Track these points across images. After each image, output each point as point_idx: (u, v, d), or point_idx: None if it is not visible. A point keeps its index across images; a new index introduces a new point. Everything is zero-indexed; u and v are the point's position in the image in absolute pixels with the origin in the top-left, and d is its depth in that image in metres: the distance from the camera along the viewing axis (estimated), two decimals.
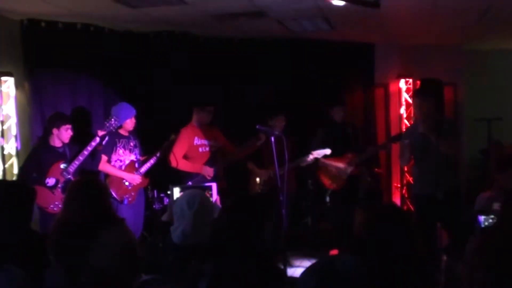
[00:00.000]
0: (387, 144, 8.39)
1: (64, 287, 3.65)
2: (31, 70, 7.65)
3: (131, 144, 7.23)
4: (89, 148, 6.53)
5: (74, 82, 7.95)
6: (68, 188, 4.44)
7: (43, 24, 7.64)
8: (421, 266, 2.75)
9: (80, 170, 6.65)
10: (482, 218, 4.11)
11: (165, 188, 7.05)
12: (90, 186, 4.31)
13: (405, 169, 10.32)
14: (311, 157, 7.45)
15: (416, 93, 6.40)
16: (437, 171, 6.05)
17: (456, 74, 10.65)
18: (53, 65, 7.79)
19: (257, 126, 7.11)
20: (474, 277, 2.30)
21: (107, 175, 7.14)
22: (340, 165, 7.72)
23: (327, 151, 7.49)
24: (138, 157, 7.29)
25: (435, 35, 9.62)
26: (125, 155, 7.15)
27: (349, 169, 7.73)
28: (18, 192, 4.35)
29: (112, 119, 6.72)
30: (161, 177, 7.48)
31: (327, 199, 8.42)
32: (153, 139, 7.43)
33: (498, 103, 10.95)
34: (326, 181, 7.86)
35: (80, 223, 4.01)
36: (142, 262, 4.29)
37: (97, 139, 6.61)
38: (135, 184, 7.07)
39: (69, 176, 6.45)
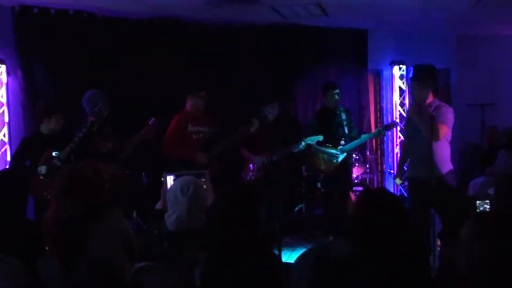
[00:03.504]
0: (380, 132, 8.35)
1: (60, 276, 3.64)
2: (23, 57, 7.61)
3: (107, 131, 7.01)
4: (80, 135, 6.40)
5: (66, 68, 7.90)
6: (56, 180, 4.30)
7: (35, 10, 7.60)
8: (414, 250, 2.76)
9: (71, 158, 6.51)
10: (477, 203, 4.14)
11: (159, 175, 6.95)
12: (78, 177, 4.18)
13: (398, 155, 10.36)
14: (302, 143, 7.44)
15: (411, 77, 6.45)
16: (425, 156, 6.06)
17: (449, 60, 10.67)
18: (46, 52, 7.76)
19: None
20: (471, 262, 2.31)
21: None
22: (332, 151, 7.72)
23: (320, 138, 7.50)
24: (115, 144, 7.04)
25: (429, 21, 9.61)
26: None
27: (341, 156, 7.73)
28: (11, 181, 4.33)
29: (100, 105, 6.58)
30: (154, 164, 7.44)
31: (319, 185, 8.45)
32: (139, 125, 7.21)
33: (491, 89, 10.98)
34: (319, 167, 7.87)
35: (71, 216, 3.96)
36: (137, 249, 4.29)
37: (88, 125, 6.48)
38: (112, 175, 6.79)
39: (61, 164, 6.34)
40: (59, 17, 7.80)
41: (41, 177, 6.21)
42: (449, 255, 4.47)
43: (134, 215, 7.47)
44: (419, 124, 6.03)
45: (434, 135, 5.93)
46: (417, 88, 6.22)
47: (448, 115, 6.10)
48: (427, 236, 6.06)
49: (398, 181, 6.93)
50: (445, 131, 6.06)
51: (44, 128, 6.47)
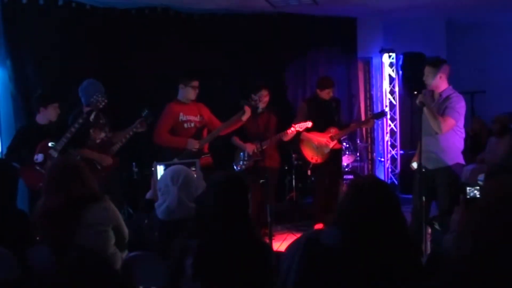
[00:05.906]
0: (370, 119, 8.36)
1: (50, 265, 3.64)
2: (12, 47, 7.56)
3: (100, 121, 6.97)
4: (76, 125, 6.37)
5: (56, 58, 7.86)
6: (47, 171, 4.34)
7: (23, 0, 7.55)
8: (405, 237, 2.77)
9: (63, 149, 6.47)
10: (467, 189, 4.14)
11: (149, 165, 6.92)
12: (68, 168, 4.21)
13: (388, 143, 10.39)
14: (292, 129, 7.41)
15: (426, 62, 6.27)
16: (429, 146, 5.91)
17: (439, 47, 10.67)
18: (35, 42, 7.71)
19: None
20: (461, 247, 2.32)
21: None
22: (322, 139, 7.72)
23: (308, 124, 7.47)
24: (108, 134, 7.04)
25: (418, 9, 9.61)
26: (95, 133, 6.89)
27: (331, 144, 7.74)
28: (2, 171, 4.32)
29: (97, 96, 6.52)
30: (145, 154, 7.42)
31: (308, 172, 8.45)
32: (130, 116, 7.18)
33: (480, 76, 10.99)
34: (308, 155, 7.88)
35: (62, 207, 3.97)
36: (128, 239, 4.30)
37: (84, 116, 6.44)
38: (105, 165, 6.79)
39: (57, 154, 6.30)
40: (48, 7, 7.75)
41: (37, 166, 6.19)
42: (440, 241, 4.49)
43: (125, 205, 7.44)
44: (426, 114, 5.93)
45: (437, 126, 5.84)
46: (431, 75, 6.02)
47: (457, 106, 5.93)
48: (421, 223, 6.03)
49: (415, 164, 6.70)
50: (451, 124, 5.89)
51: (40, 118, 6.47)
